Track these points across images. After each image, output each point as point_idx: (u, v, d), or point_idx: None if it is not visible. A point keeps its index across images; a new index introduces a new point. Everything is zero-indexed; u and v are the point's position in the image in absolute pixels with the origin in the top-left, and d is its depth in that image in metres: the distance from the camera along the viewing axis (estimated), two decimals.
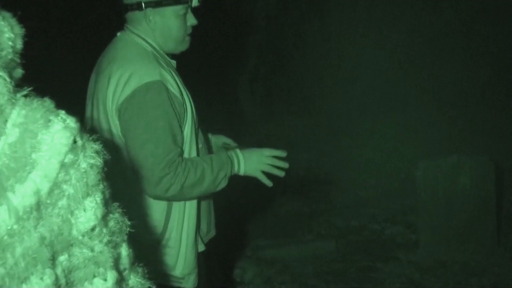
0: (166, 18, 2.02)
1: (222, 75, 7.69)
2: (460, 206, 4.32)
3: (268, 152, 2.09)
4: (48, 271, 0.80)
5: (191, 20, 2.08)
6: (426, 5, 8.20)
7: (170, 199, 1.98)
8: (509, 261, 4.27)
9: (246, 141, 6.45)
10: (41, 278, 0.79)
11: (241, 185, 5.80)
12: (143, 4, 1.99)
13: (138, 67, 1.93)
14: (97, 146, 0.87)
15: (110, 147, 1.98)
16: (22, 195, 0.77)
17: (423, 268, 4.22)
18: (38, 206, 0.79)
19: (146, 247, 1.92)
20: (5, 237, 0.75)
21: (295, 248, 4.49)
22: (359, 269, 4.24)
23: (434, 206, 4.35)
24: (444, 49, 8.21)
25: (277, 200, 5.51)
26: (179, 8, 2.03)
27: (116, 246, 0.91)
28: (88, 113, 2.09)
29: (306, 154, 6.65)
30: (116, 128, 1.95)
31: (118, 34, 2.10)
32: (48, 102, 0.84)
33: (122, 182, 1.96)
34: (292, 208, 5.37)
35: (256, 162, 2.06)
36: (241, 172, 2.06)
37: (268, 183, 2.10)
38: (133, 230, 0.97)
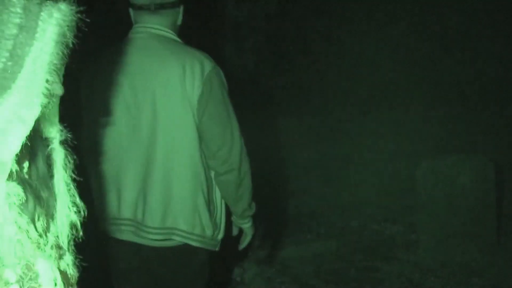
0: (182, 15, 2.29)
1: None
2: (460, 206, 4.32)
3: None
4: None
5: None
6: (426, 5, 8.20)
7: (240, 170, 2.22)
8: (509, 261, 4.27)
9: (246, 140, 6.45)
10: None
11: None
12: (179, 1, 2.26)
13: (199, 56, 2.17)
14: None
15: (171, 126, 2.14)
16: None
17: (423, 268, 4.22)
18: None
19: (198, 208, 2.21)
20: None
21: (295, 248, 4.49)
22: (359, 269, 4.24)
23: (434, 206, 4.35)
24: (444, 49, 8.21)
25: (277, 201, 5.51)
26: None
27: None
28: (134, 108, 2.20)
29: (306, 154, 6.66)
30: (192, 110, 2.14)
31: (137, 34, 2.22)
32: None
33: (181, 149, 2.18)
34: (292, 208, 5.37)
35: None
36: (247, 220, 2.38)
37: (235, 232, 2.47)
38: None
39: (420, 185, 4.40)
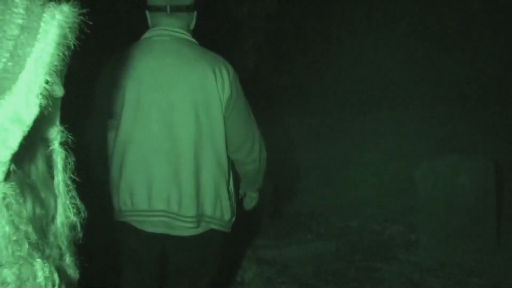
0: (195, 20, 2.45)
1: None
2: (460, 206, 4.32)
3: None
4: None
5: None
6: (426, 5, 8.21)
7: (260, 159, 2.55)
8: (509, 261, 4.27)
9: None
10: None
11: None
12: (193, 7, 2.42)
13: (222, 60, 2.39)
14: None
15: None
16: None
17: (423, 268, 4.23)
18: None
19: (220, 195, 2.42)
20: None
21: (295, 248, 4.49)
22: (359, 269, 4.24)
23: (434, 206, 4.35)
24: (444, 49, 8.22)
25: (277, 200, 5.51)
26: None
27: None
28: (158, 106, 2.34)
29: (306, 154, 6.66)
30: (222, 109, 2.36)
31: (160, 36, 2.37)
32: None
33: (209, 144, 2.37)
34: (292, 208, 5.37)
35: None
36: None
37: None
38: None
39: (420, 185, 4.40)
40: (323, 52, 8.37)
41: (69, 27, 0.84)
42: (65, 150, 0.94)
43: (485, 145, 6.34)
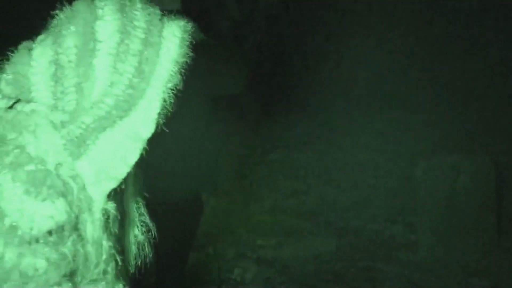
0: None
1: None
2: (460, 206, 4.32)
3: None
4: None
5: None
6: (426, 6, 8.21)
7: None
8: (509, 261, 4.27)
9: (246, 140, 6.46)
10: None
11: (241, 185, 5.78)
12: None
13: None
14: None
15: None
16: None
17: (423, 268, 4.22)
18: None
19: None
20: None
21: (295, 248, 4.49)
22: (359, 269, 4.24)
23: (434, 206, 4.35)
24: (444, 49, 8.21)
25: (277, 201, 5.52)
26: None
27: None
28: None
29: (306, 154, 6.66)
30: None
31: None
32: None
33: None
34: (292, 208, 5.37)
35: None
36: None
37: None
38: None
39: (420, 185, 4.40)
40: (323, 52, 8.37)
41: (187, 45, 0.82)
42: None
43: (485, 145, 6.34)
